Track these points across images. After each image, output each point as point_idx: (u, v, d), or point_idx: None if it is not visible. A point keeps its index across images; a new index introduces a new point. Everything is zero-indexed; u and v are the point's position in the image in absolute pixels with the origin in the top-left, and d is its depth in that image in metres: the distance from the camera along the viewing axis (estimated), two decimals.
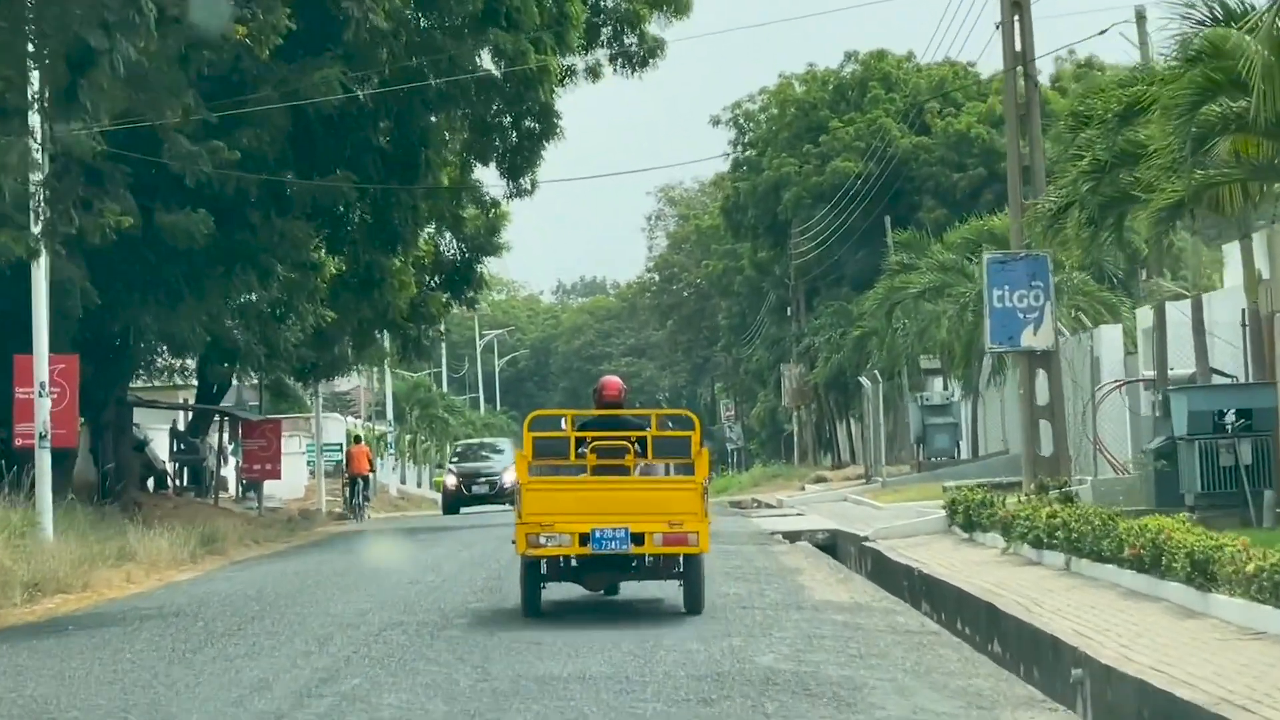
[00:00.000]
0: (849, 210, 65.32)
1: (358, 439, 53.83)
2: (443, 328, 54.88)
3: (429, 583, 22.36)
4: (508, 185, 40.96)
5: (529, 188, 40.93)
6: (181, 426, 49.39)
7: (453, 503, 51.92)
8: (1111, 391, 30.25)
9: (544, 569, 17.27)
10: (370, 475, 51.92)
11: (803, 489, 56.25)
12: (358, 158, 35.43)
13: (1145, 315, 33.54)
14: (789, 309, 73.70)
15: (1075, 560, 20.11)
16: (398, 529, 41.54)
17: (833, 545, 31.45)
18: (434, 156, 36.48)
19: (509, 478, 42.94)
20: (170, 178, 32.94)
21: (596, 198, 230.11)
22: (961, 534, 26.89)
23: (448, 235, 48.63)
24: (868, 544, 27.83)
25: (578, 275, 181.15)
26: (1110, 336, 35.20)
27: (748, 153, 73.98)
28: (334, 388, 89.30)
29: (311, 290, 40.96)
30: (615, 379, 18.17)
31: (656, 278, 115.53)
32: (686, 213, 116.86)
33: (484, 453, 55.43)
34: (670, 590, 17.88)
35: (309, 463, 62.67)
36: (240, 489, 52.12)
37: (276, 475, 48.60)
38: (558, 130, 39.20)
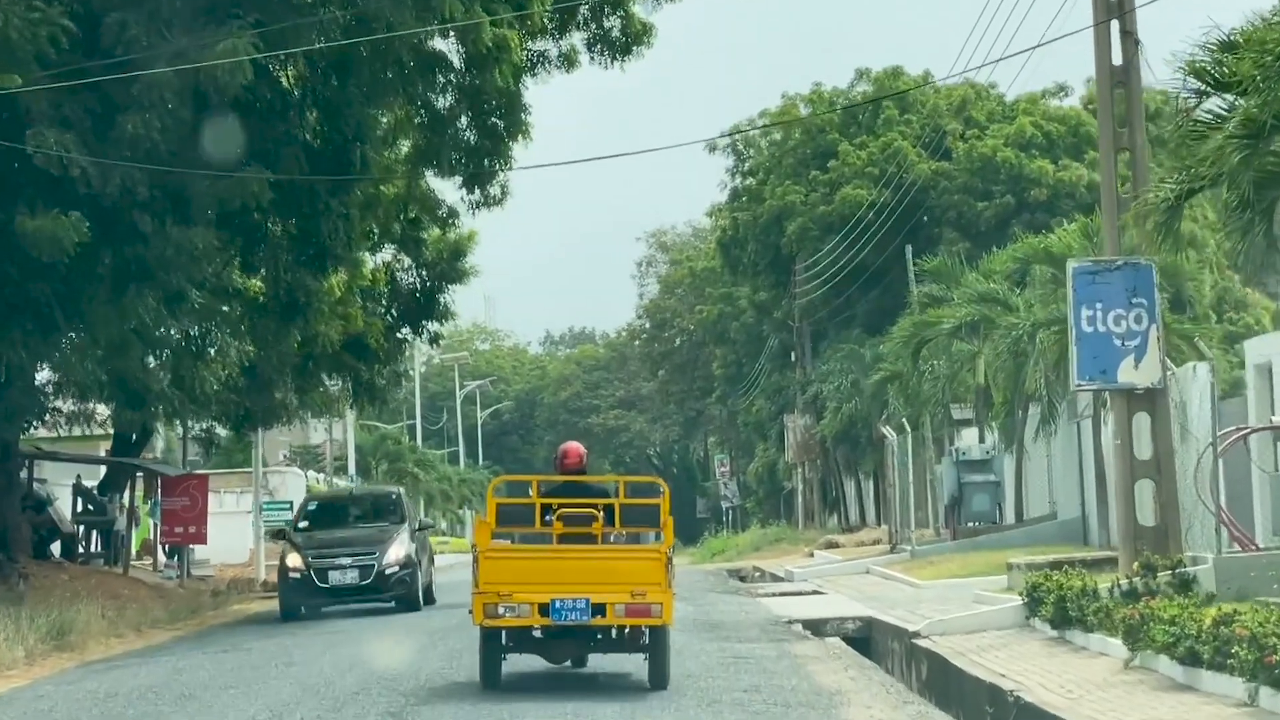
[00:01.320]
0: (861, 243, 58.65)
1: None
2: (406, 368, 47.90)
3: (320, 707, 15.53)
4: (468, 194, 34.29)
5: (497, 197, 34.32)
6: (90, 483, 42.39)
7: (293, 599, 30.82)
8: (1235, 442, 23.38)
9: (505, 639, 16.63)
10: None
11: (811, 555, 49.41)
12: (275, 153, 28.70)
13: (1259, 346, 26.84)
14: (793, 354, 66.73)
15: (1273, 694, 13.32)
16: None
17: (866, 638, 24.64)
18: (371, 154, 29.68)
19: (396, 555, 30.46)
20: (36, 174, 26.44)
21: (585, 246, 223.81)
22: (1048, 631, 20.08)
23: (406, 260, 42.04)
24: (921, 642, 21.02)
25: (566, 326, 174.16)
26: (1201, 376, 28.37)
27: (747, 181, 67.16)
28: (307, 439, 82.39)
29: (237, 321, 34.25)
30: (576, 445, 17.74)
31: (647, 324, 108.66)
32: (679, 257, 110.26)
33: (353, 512, 33.80)
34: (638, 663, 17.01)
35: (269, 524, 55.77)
36: (166, 554, 45.17)
37: (201, 539, 41.67)
38: (525, 127, 32.48)
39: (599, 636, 16.75)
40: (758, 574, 46.61)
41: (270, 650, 22.43)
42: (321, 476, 73.79)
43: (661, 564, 16.26)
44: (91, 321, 29.03)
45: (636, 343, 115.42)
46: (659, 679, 16.64)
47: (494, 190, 34.16)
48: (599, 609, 16.08)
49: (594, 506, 16.60)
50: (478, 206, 34.41)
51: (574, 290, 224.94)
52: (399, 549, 30.77)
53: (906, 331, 41.60)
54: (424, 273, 41.95)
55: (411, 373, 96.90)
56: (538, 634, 16.60)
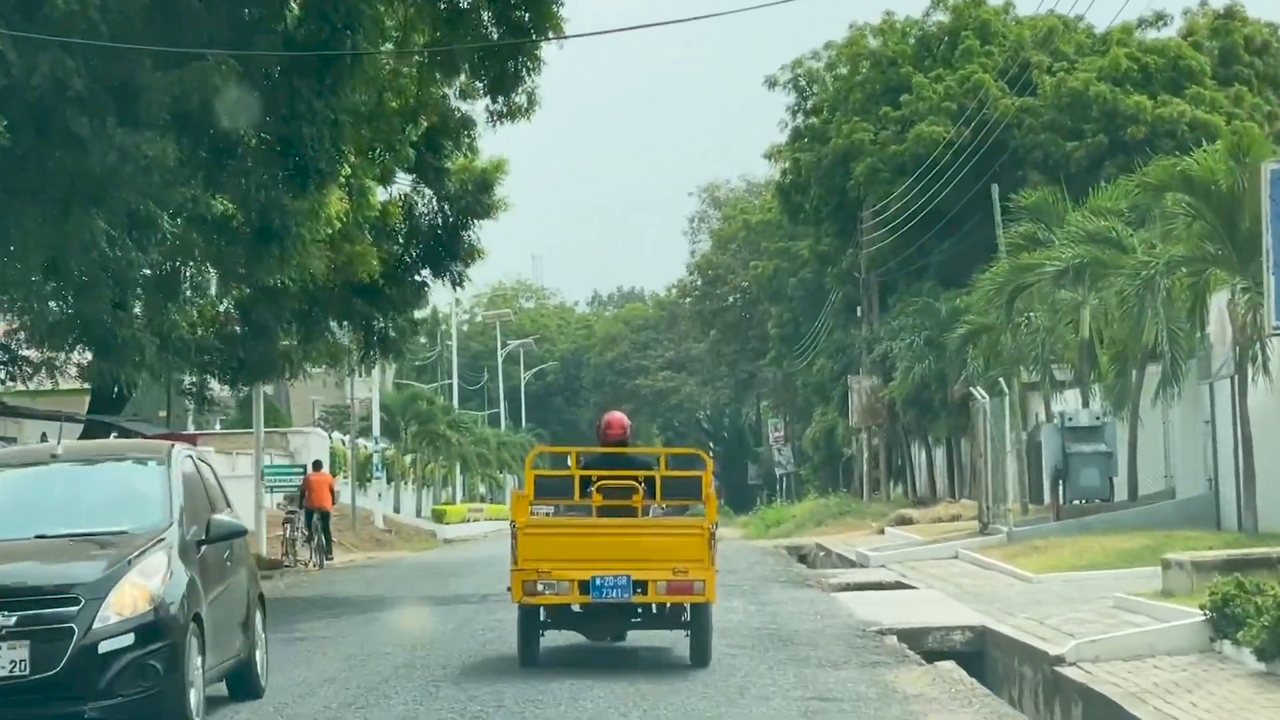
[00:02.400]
0: (936, 187, 53.03)
1: (318, 464, 41.62)
2: (430, 318, 42.51)
3: None
4: (491, 104, 28.97)
5: (523, 106, 29.01)
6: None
7: None
8: None
9: (543, 615, 16.38)
10: (330, 511, 39.68)
11: (882, 533, 43.92)
12: (246, 43, 23.31)
13: None
14: (858, 309, 60.84)
15: None
16: (337, 593, 29.59)
17: (978, 653, 19.24)
18: (366, 45, 24.22)
19: (132, 603, 11.85)
20: None
21: (636, 205, 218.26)
22: (1251, 663, 14.61)
23: (426, 193, 36.86)
24: (1068, 671, 15.57)
25: (614, 286, 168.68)
26: None
27: (810, 120, 61.36)
28: (343, 399, 76.70)
29: (215, 253, 28.79)
30: (620, 415, 17.27)
31: (699, 281, 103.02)
32: (732, 212, 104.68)
33: (51, 504, 13.48)
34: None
35: (272, 490, 50.57)
36: None
37: None
38: (557, 20, 27.05)
39: (639, 613, 16.46)
40: (823, 554, 41.19)
41: None
42: (346, 439, 68.92)
43: (704, 540, 15.83)
44: (28, 248, 23.76)
45: (687, 300, 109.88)
46: (700, 656, 16.26)
47: (519, 99, 28.81)
48: (640, 586, 15.74)
49: (634, 479, 16.10)
50: (500, 118, 29.14)
51: (624, 250, 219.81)
52: (139, 591, 12.09)
53: (1000, 277, 35.96)
54: (446, 207, 36.79)
55: (446, 326, 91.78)
56: (577, 610, 16.35)
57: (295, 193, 24.18)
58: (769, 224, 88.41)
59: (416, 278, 38.27)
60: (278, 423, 68.62)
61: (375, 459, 61.29)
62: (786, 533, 57.31)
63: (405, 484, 76.45)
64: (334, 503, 40.55)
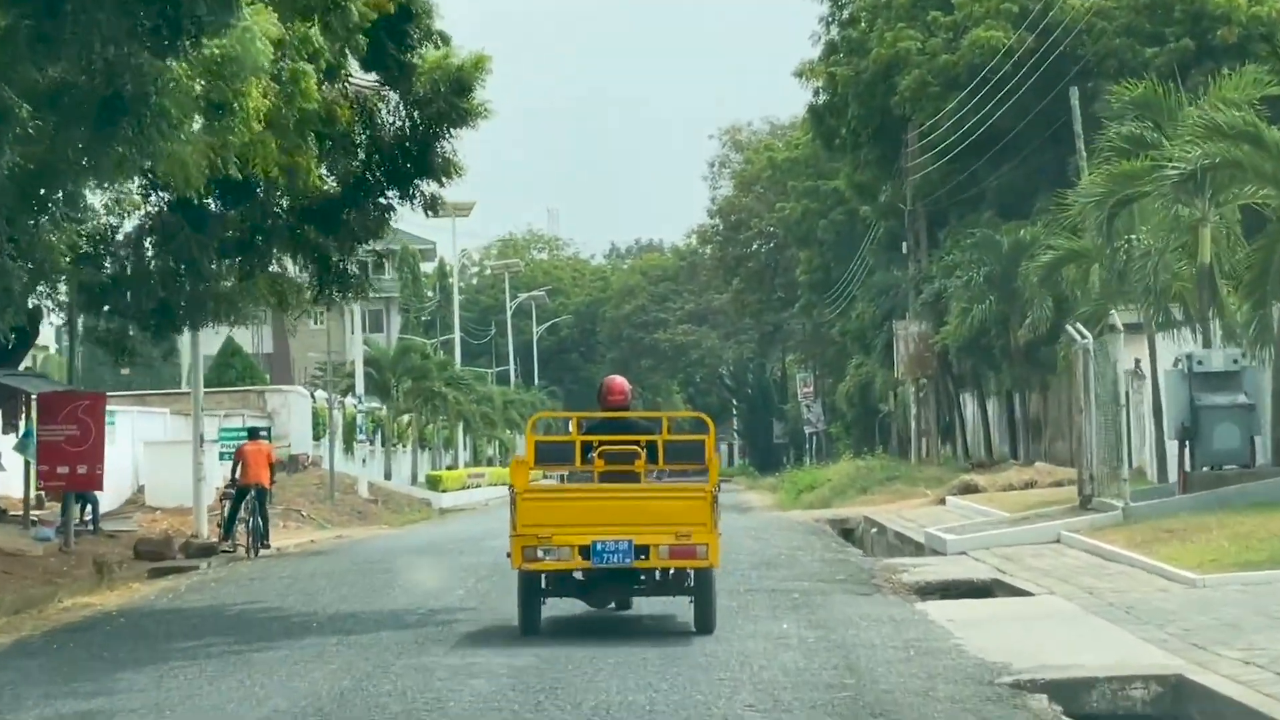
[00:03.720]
0: (993, 102, 45.96)
1: (253, 432, 34.56)
2: (387, 246, 35.59)
3: None
4: None
5: None
6: None
7: None
8: None
9: (544, 583, 16.13)
10: (268, 487, 32.62)
11: (942, 503, 37.03)
12: None
13: None
14: (904, 245, 53.54)
15: None
16: (233, 603, 22.81)
17: None
18: None
19: None
20: None
21: (654, 148, 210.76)
22: None
23: (392, 99, 29.97)
24: None
25: (632, 238, 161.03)
26: None
27: (847, 32, 54.02)
28: (345, 355, 69.68)
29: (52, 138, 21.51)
30: (621, 379, 17.04)
31: (720, 225, 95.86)
32: (756, 154, 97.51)
33: None
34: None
35: (221, 457, 43.66)
36: (36, 504, 32.99)
37: (93, 483, 29.31)
38: None
39: (642, 579, 16.16)
40: (874, 531, 34.24)
41: None
42: (340, 399, 62.23)
43: (707, 503, 15.62)
44: None
45: (708, 248, 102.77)
46: (705, 623, 15.86)
47: None
48: (642, 551, 15.56)
49: (636, 444, 15.90)
50: None
51: (643, 203, 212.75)
52: None
53: (1100, 188, 28.79)
54: (415, 113, 29.84)
55: (451, 280, 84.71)
56: (579, 577, 16.10)
57: (158, 50, 17.10)
58: (796, 161, 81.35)
59: (381, 200, 31.58)
60: (254, 380, 61.81)
61: (360, 420, 54.36)
62: (823, 500, 50.39)
63: (402, 447, 69.61)
64: (272, 478, 33.51)
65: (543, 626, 15.91)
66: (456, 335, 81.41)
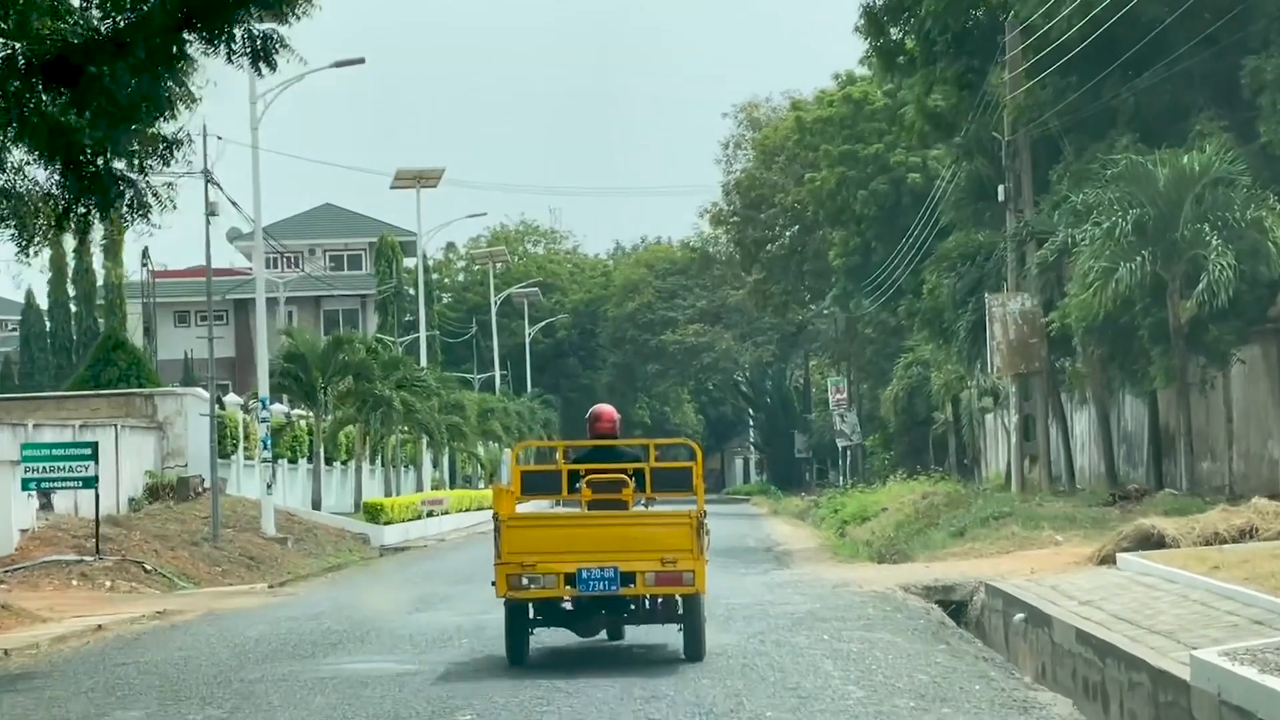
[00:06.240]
0: None
1: None
2: (184, 130, 21.48)
3: None
4: None
5: None
6: None
7: None
8: None
9: (531, 612, 16.21)
10: None
11: (1110, 563, 23.16)
12: None
13: None
14: (1000, 190, 38.86)
15: None
16: None
17: None
18: None
19: None
20: None
21: (661, 152, 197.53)
22: None
23: None
24: None
25: (638, 235, 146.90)
26: None
27: None
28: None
29: None
30: (609, 408, 17.03)
31: (737, 204, 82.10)
32: (778, 119, 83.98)
33: None
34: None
35: (27, 485, 29.99)
36: None
37: None
38: None
39: (631, 607, 16.25)
40: (1021, 618, 20.27)
41: None
42: (243, 401, 48.58)
43: (692, 530, 15.61)
44: None
45: (721, 230, 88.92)
46: (694, 650, 16.03)
47: None
48: (628, 578, 15.59)
49: (624, 472, 15.98)
50: None
51: (649, 198, 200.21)
52: None
53: None
54: None
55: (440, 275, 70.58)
56: (567, 606, 16.17)
57: None
58: (829, 122, 67.74)
59: (171, 45, 18.55)
60: (144, 379, 48.13)
61: (264, 432, 40.57)
62: (886, 539, 36.51)
63: (346, 465, 55.89)
64: None
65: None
66: (422, 330, 67.61)
